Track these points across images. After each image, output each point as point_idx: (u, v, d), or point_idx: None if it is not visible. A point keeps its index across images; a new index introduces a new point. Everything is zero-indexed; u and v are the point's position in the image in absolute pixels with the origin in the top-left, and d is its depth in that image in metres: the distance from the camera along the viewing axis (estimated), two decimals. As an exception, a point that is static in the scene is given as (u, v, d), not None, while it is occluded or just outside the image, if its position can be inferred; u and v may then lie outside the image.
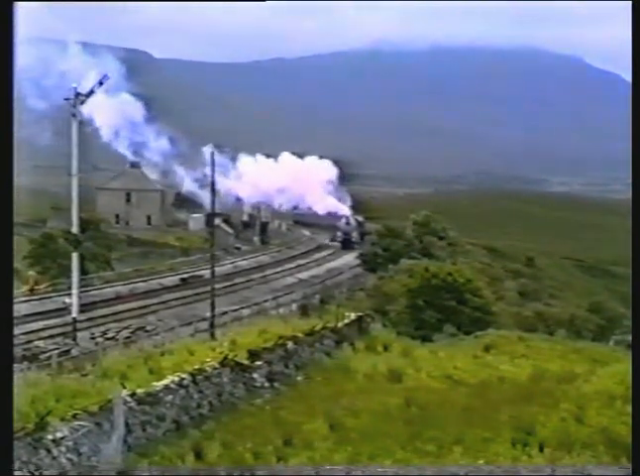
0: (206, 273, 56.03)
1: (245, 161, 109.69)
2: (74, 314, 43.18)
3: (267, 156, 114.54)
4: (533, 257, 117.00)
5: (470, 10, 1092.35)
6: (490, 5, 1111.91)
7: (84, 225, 55.19)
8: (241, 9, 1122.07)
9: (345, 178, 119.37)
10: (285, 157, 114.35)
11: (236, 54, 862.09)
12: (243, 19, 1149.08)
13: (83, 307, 46.54)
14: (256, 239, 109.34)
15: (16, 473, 13.34)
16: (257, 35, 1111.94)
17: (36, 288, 56.95)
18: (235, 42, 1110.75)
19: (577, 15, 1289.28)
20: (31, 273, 60.56)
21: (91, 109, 64.30)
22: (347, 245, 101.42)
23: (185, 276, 67.89)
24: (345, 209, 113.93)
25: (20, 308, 43.90)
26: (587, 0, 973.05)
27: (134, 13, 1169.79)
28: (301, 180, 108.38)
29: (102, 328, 45.24)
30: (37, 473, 14.16)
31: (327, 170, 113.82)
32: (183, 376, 20.20)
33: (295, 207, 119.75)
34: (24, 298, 51.14)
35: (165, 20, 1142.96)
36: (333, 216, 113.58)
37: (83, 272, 54.27)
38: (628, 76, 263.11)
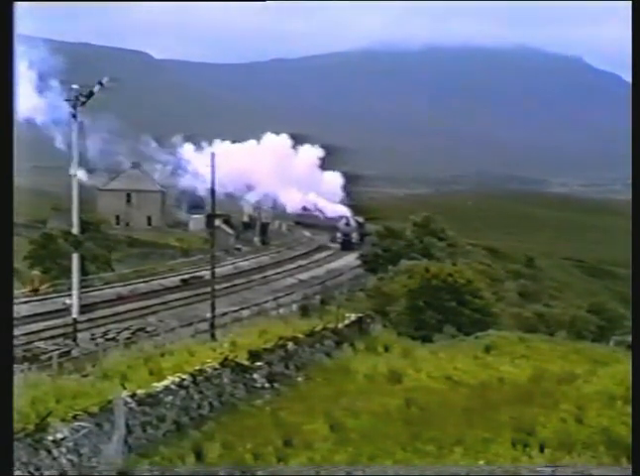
0: (206, 273, 56.00)
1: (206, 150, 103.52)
2: (75, 315, 43.16)
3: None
4: (533, 257, 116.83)
5: (468, 10, 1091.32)
6: (490, 5, 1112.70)
7: (85, 226, 55.19)
8: (241, 9, 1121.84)
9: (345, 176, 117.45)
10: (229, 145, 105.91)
11: (236, 54, 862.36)
12: (243, 19, 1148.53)
13: (84, 308, 46.54)
14: (256, 240, 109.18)
15: (16, 474, 13.33)
16: (256, 35, 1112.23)
17: (40, 288, 57.00)
18: (235, 42, 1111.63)
19: (576, 15, 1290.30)
20: (35, 272, 60.59)
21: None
22: (347, 246, 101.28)
23: (186, 276, 67.92)
24: (323, 202, 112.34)
25: (20, 309, 43.93)
26: (588, 0, 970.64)
27: (134, 13, 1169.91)
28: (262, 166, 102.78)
29: (102, 329, 45.25)
30: (37, 474, 14.16)
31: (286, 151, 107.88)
32: (184, 377, 20.21)
33: (259, 204, 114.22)
34: (24, 299, 51.16)
35: (165, 20, 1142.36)
36: (307, 210, 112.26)
37: (84, 273, 54.27)
38: (628, 76, 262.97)
